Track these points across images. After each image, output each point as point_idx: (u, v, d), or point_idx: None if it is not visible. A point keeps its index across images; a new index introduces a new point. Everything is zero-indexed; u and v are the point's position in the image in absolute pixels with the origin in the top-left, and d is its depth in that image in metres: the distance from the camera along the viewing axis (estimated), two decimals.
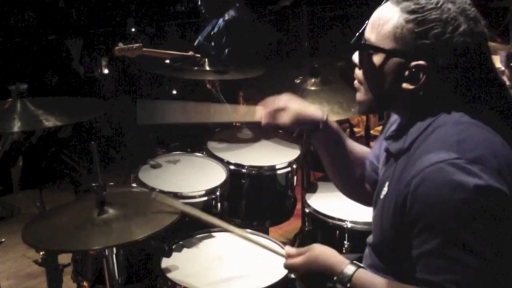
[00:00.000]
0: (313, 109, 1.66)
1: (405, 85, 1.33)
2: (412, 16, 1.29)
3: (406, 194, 1.26)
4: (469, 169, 1.18)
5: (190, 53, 3.30)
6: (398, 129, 1.42)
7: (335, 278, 1.38)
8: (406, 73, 1.32)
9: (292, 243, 2.92)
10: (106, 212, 1.74)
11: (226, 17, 3.78)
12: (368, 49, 1.36)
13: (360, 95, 1.43)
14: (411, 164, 1.28)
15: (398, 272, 1.36)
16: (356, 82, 1.44)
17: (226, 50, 3.70)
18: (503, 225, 1.19)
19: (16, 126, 1.98)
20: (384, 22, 1.33)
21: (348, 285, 1.36)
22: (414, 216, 1.24)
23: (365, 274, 1.38)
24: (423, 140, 1.30)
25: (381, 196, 1.43)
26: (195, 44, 3.97)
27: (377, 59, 1.35)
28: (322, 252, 1.46)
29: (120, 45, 3.26)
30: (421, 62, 1.29)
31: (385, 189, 1.40)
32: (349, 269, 1.38)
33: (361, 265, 1.41)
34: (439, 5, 1.28)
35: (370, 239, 1.57)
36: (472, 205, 1.17)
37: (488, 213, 1.18)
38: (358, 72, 1.42)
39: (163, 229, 1.69)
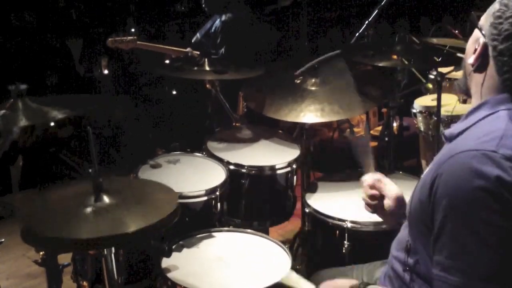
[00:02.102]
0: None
1: (470, 60, 1.38)
2: None
3: (436, 175, 1.28)
4: (501, 164, 1.19)
5: (188, 49, 3.30)
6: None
7: None
8: (475, 48, 1.36)
9: (292, 243, 2.92)
10: (103, 199, 1.72)
11: (223, 17, 3.79)
12: (474, 23, 1.41)
13: None
14: (452, 146, 1.30)
15: (426, 249, 1.37)
16: None
17: (222, 50, 3.71)
18: None
19: (22, 122, 1.98)
20: None
21: None
22: (436, 199, 1.26)
23: None
24: (474, 129, 1.32)
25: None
26: (193, 41, 3.98)
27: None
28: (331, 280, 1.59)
29: (113, 36, 3.32)
30: (485, 40, 1.33)
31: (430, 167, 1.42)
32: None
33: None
34: None
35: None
36: (490, 194, 1.18)
37: (506, 207, 1.18)
38: None
39: (161, 220, 1.67)
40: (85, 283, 2.15)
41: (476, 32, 1.38)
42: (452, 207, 1.22)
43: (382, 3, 2.99)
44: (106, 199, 1.73)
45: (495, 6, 1.34)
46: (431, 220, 1.28)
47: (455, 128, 1.38)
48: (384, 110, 3.54)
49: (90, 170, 1.72)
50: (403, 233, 1.51)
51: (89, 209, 1.69)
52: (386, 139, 3.22)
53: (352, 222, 2.20)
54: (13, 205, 3.84)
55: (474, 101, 1.40)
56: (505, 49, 1.29)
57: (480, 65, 1.36)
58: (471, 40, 1.41)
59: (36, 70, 4.39)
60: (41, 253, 2.00)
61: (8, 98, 2.11)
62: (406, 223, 1.50)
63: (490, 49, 1.32)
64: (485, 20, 1.36)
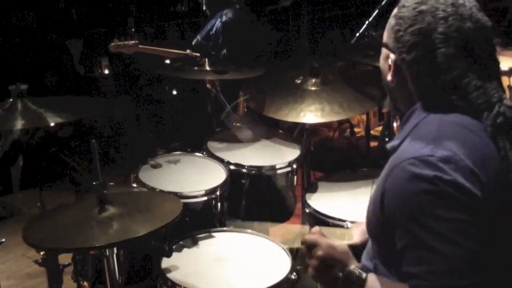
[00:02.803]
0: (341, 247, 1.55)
1: (388, 78, 1.41)
2: (396, 11, 1.38)
3: (384, 189, 1.30)
4: (438, 166, 1.20)
5: (188, 51, 3.30)
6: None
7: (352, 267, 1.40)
8: (388, 65, 1.40)
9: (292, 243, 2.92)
10: (107, 210, 1.74)
11: (224, 18, 3.79)
12: (380, 42, 1.45)
13: None
14: (393, 159, 1.32)
15: (392, 261, 1.37)
16: None
17: (224, 51, 3.71)
18: (468, 216, 1.18)
19: (19, 124, 1.98)
20: None
21: (364, 276, 1.38)
22: (389, 214, 1.28)
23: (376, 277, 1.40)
24: (410, 137, 1.34)
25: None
26: (193, 43, 3.98)
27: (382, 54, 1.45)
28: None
29: (116, 41, 3.29)
30: (392, 54, 1.38)
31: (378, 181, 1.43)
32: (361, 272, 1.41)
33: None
34: (415, 3, 1.34)
35: None
36: (434, 193, 1.19)
37: (453, 201, 1.18)
38: None
39: (164, 225, 1.68)
40: (85, 283, 2.15)
41: (384, 50, 1.42)
42: (405, 217, 1.23)
43: (382, 3, 2.99)
44: (110, 210, 1.75)
45: (391, 22, 1.38)
46: (391, 234, 1.29)
47: (395, 140, 1.40)
48: (384, 110, 3.55)
49: (94, 183, 1.72)
50: (370, 242, 1.53)
51: (93, 220, 1.71)
52: (386, 139, 3.22)
53: (352, 222, 2.20)
54: (13, 205, 3.84)
55: (405, 113, 1.42)
56: (412, 59, 1.33)
57: (398, 80, 1.39)
58: (382, 59, 1.44)
59: (36, 70, 4.39)
60: (41, 253, 2.00)
61: (8, 98, 2.11)
62: None
63: (400, 62, 1.36)
64: (387, 36, 1.40)
